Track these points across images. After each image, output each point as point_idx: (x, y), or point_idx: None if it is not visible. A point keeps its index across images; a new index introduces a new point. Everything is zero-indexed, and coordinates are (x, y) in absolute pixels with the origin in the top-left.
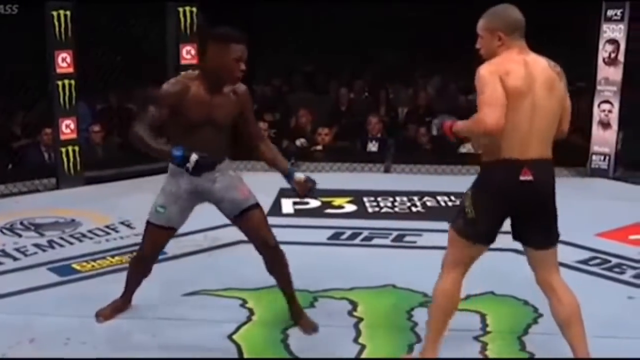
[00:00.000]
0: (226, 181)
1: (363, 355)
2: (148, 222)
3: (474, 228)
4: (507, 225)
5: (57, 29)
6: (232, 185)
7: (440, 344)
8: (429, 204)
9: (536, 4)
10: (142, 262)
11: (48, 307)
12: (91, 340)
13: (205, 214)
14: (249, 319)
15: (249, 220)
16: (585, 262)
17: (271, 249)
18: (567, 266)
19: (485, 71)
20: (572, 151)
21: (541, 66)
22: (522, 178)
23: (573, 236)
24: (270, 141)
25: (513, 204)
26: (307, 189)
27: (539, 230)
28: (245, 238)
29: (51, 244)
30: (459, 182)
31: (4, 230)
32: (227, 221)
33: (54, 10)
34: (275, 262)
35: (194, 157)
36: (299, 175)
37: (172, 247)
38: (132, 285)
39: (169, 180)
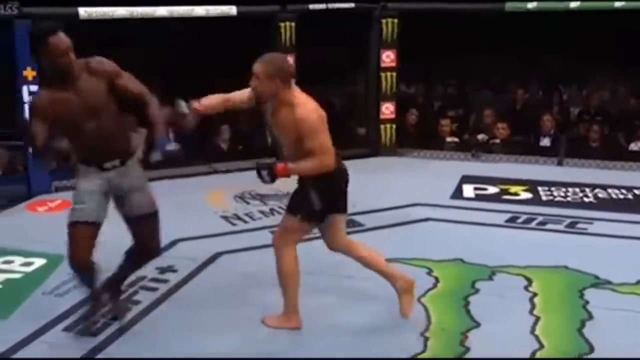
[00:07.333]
0: (136, 180)
1: (538, 327)
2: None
3: (319, 216)
4: None
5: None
6: (140, 186)
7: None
8: (600, 195)
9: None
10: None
11: (269, 263)
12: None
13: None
14: (434, 286)
15: (147, 227)
16: None
17: (155, 255)
18: None
19: (313, 116)
20: None
21: None
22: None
23: None
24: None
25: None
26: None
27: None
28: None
29: (272, 211)
30: (629, 177)
31: (237, 198)
32: (408, 202)
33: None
34: (146, 261)
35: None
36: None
37: (371, 220)
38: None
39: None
